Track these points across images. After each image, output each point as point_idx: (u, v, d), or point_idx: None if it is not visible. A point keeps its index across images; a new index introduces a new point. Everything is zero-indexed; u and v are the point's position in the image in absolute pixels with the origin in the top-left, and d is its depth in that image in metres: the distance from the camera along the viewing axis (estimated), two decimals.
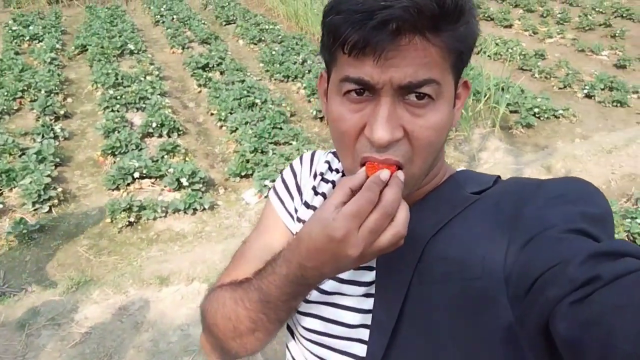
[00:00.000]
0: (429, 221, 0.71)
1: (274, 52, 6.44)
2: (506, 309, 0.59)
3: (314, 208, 0.84)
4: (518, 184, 0.71)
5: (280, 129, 4.57)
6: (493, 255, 0.62)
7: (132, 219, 3.53)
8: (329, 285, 0.79)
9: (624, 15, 8.13)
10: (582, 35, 7.49)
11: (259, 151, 4.22)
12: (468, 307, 0.63)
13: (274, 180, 3.80)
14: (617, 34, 7.31)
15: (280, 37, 7.14)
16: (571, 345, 0.49)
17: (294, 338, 0.87)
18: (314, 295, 0.79)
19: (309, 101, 5.38)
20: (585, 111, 5.19)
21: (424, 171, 0.68)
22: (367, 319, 0.74)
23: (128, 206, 3.54)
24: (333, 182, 0.85)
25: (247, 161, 4.09)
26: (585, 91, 5.49)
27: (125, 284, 2.98)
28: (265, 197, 3.79)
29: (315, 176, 0.88)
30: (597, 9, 8.43)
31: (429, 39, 0.60)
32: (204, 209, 3.70)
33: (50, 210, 3.65)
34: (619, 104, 5.24)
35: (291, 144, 4.37)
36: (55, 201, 3.71)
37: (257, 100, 5.06)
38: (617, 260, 0.51)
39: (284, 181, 0.92)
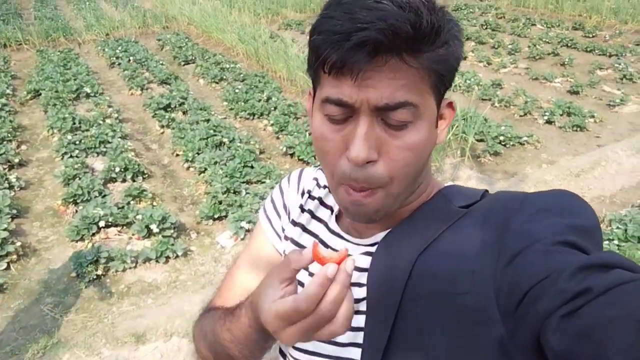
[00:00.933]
0: (418, 237, 0.71)
1: (237, 90, 6.36)
2: (497, 323, 0.58)
3: (301, 225, 0.87)
4: (506, 197, 0.71)
5: (252, 167, 4.45)
6: (482, 269, 0.62)
7: (99, 272, 3.30)
8: None
9: (569, 44, 8.54)
10: (534, 64, 7.79)
11: (232, 191, 4.08)
12: (459, 321, 0.62)
13: (250, 221, 3.67)
14: (565, 62, 7.65)
15: (242, 75, 7.07)
16: (563, 358, 0.48)
17: (284, 359, 0.88)
18: None
19: (277, 137, 5.30)
20: (548, 137, 5.33)
21: (404, 190, 0.69)
22: (357, 337, 0.73)
23: (94, 258, 3.32)
24: (319, 199, 0.87)
25: (220, 202, 3.94)
26: (546, 117, 5.65)
27: (98, 344, 2.74)
28: (242, 239, 3.63)
29: (302, 194, 0.89)
30: (544, 39, 8.83)
31: (406, 60, 0.60)
32: (177, 256, 3.50)
33: (8, 267, 3.38)
34: (578, 129, 5.41)
35: (264, 182, 4.26)
36: (14, 257, 3.44)
37: (225, 139, 4.93)
38: (607, 272, 0.50)
39: (272, 200, 0.94)
